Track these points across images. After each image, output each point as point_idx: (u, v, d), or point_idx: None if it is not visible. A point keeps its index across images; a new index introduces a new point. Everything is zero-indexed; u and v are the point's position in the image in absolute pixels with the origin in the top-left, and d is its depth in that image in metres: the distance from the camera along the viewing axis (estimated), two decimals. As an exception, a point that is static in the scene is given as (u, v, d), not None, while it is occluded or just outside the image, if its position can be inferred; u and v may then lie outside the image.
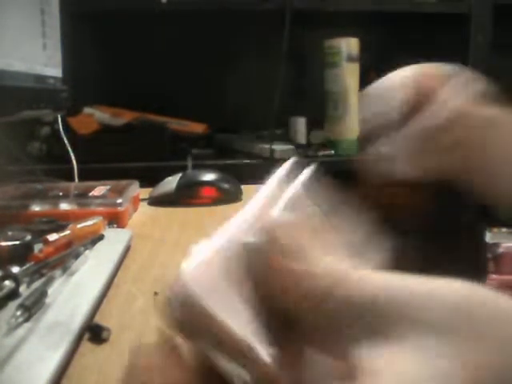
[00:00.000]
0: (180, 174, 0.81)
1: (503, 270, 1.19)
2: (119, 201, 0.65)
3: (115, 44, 1.40)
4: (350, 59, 1.25)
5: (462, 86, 0.39)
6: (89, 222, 0.57)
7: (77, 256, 0.49)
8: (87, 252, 0.51)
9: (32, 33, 0.62)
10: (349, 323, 0.19)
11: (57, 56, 0.71)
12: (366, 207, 0.24)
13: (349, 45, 1.25)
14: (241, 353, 0.19)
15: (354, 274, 0.19)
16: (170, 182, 0.80)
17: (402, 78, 0.39)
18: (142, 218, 0.72)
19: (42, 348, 0.33)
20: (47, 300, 0.41)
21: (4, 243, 0.49)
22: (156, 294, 0.45)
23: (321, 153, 1.26)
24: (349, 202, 0.25)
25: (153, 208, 0.78)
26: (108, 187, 0.72)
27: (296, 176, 0.26)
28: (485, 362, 0.17)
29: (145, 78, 1.40)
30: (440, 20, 1.30)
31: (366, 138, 0.39)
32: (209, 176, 0.80)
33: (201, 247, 0.22)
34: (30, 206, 0.64)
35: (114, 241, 0.56)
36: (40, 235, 0.53)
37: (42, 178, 0.86)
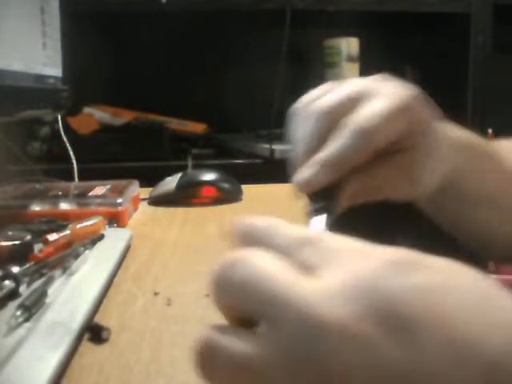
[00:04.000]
0: (180, 174, 0.81)
1: (503, 270, 1.19)
2: (119, 200, 0.65)
3: (115, 43, 1.40)
4: (350, 59, 1.25)
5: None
6: (89, 222, 0.57)
7: (77, 256, 0.49)
8: (87, 252, 0.50)
9: (32, 32, 0.62)
10: None
11: (57, 55, 0.71)
12: None
13: (349, 45, 1.25)
14: None
15: None
16: (170, 182, 0.80)
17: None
18: (142, 217, 0.72)
19: (42, 348, 0.33)
20: (47, 300, 0.40)
21: (4, 243, 0.49)
22: (156, 294, 0.45)
23: (321, 152, 1.26)
24: None
25: (153, 208, 0.78)
26: (108, 187, 0.72)
27: None
28: None
29: (145, 78, 1.40)
30: (440, 20, 1.30)
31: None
32: (209, 176, 0.80)
33: None
34: (29, 205, 0.64)
35: (114, 240, 0.56)
36: (40, 235, 0.53)
37: (42, 177, 0.86)
